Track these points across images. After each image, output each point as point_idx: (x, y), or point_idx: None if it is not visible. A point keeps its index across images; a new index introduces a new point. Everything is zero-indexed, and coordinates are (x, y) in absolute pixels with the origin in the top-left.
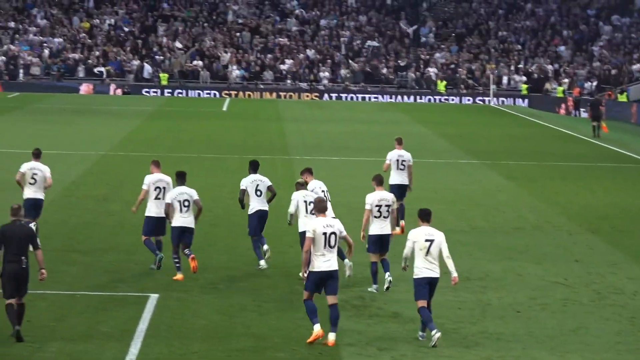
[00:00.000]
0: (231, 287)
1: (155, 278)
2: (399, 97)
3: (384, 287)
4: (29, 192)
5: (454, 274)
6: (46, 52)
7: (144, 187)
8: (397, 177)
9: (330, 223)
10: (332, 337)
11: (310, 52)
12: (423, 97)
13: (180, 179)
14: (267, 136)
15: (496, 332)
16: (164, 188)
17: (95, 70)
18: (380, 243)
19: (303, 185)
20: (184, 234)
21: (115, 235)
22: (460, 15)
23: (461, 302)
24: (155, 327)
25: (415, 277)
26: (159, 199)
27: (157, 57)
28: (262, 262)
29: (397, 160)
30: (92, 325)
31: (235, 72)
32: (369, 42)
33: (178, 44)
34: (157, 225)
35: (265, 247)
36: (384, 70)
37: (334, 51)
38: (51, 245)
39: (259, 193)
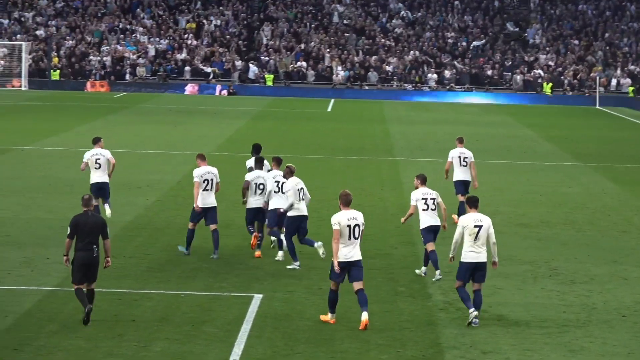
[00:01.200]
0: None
1: (260, 278)
2: (504, 98)
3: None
4: (95, 177)
5: (496, 259)
6: (152, 52)
7: (195, 180)
8: (460, 174)
9: (354, 216)
10: (365, 316)
11: (416, 53)
12: (529, 99)
13: (259, 163)
14: (371, 137)
15: (601, 336)
16: (212, 180)
17: (203, 70)
18: (432, 233)
19: (292, 173)
20: (258, 214)
21: (220, 236)
22: (567, 17)
23: (566, 305)
24: (259, 327)
25: (462, 260)
26: (207, 190)
27: (262, 57)
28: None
29: (460, 157)
30: (196, 325)
31: (340, 73)
32: (474, 43)
33: (283, 45)
34: (205, 214)
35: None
36: (489, 72)
37: (439, 52)
38: (158, 245)
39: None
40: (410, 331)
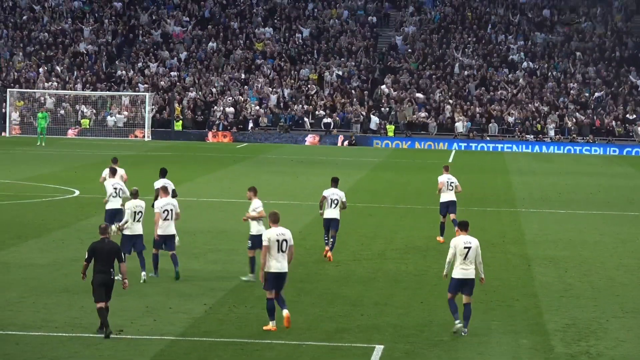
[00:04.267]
0: (456, 340)
1: (381, 328)
2: (627, 149)
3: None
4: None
5: (482, 276)
6: (273, 102)
7: (156, 211)
8: (446, 196)
9: (282, 232)
10: (285, 312)
11: (537, 104)
12: None
13: (334, 183)
14: (493, 188)
15: None
16: (171, 210)
17: (323, 121)
18: (460, 285)
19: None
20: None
21: (342, 286)
22: None
23: None
24: None
25: (453, 276)
26: (167, 219)
27: (383, 108)
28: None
29: (447, 182)
30: None
31: (460, 123)
32: (596, 94)
33: (404, 95)
34: (164, 241)
35: None
36: (612, 123)
37: (561, 102)
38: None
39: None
40: None
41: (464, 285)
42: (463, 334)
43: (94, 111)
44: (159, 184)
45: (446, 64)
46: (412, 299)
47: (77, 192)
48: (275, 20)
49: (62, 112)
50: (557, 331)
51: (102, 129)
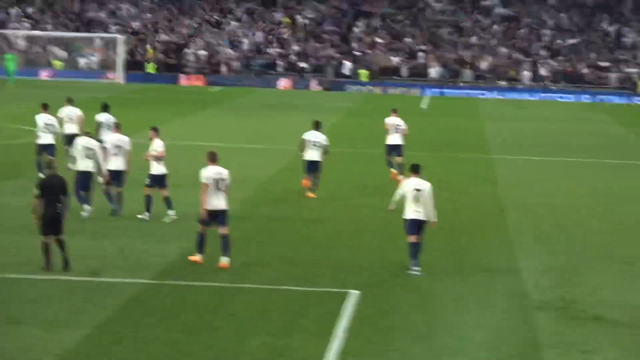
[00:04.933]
0: (433, 286)
1: (355, 274)
2: (599, 97)
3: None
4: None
5: (435, 219)
6: (246, 46)
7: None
8: (392, 138)
9: (219, 171)
10: (225, 260)
11: (509, 50)
12: (624, 97)
13: (316, 126)
14: (466, 134)
15: None
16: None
17: (299, 65)
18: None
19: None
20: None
21: (313, 230)
22: None
23: None
24: (356, 323)
25: (406, 217)
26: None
27: (356, 52)
28: None
29: (394, 125)
30: (293, 319)
31: (434, 69)
32: (569, 41)
33: (378, 40)
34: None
35: None
36: (584, 70)
37: (534, 49)
38: (253, 240)
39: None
40: (507, 330)
41: (416, 225)
42: (416, 272)
43: (66, 53)
44: (100, 117)
45: (419, 9)
46: (383, 242)
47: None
48: None
49: (34, 53)
50: (531, 277)
51: (74, 71)
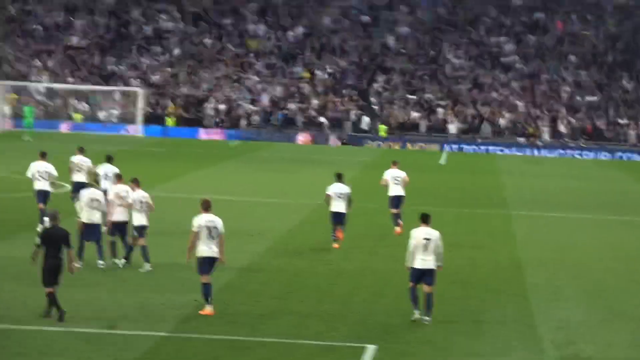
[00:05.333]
0: (448, 339)
1: (372, 327)
2: (618, 154)
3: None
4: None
5: (440, 264)
6: (265, 100)
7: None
8: (394, 190)
9: (212, 219)
10: (208, 309)
11: (528, 106)
12: None
13: (338, 178)
14: (484, 190)
15: None
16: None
17: (318, 120)
18: (420, 274)
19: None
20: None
21: (332, 284)
22: None
23: None
24: None
25: (413, 266)
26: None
27: (375, 107)
28: None
29: (392, 177)
30: None
31: (453, 125)
32: (588, 98)
33: (397, 96)
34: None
35: None
36: (603, 127)
37: (553, 106)
38: (269, 293)
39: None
40: None
41: (424, 274)
42: (425, 322)
43: (87, 105)
44: (101, 169)
45: (439, 65)
46: (400, 297)
47: (68, 187)
48: (268, 18)
49: (54, 106)
50: (548, 334)
51: (94, 124)
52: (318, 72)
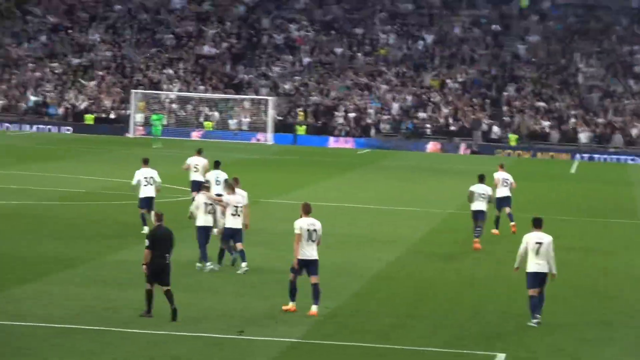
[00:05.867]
0: (579, 347)
1: (502, 336)
2: None
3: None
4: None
5: (554, 272)
6: (395, 109)
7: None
8: (501, 192)
9: (312, 222)
10: (314, 308)
11: None
12: None
13: (480, 179)
14: (615, 200)
15: None
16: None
17: (447, 129)
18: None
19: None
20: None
21: (462, 292)
22: None
23: None
24: None
25: (527, 271)
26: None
27: (505, 117)
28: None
29: (501, 179)
30: None
31: (584, 134)
32: None
33: (527, 105)
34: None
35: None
36: None
37: None
38: (400, 301)
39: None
40: None
41: (538, 278)
42: (536, 323)
43: (217, 114)
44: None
45: (570, 74)
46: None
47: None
48: (397, 27)
49: (185, 114)
50: None
51: (224, 132)
52: (448, 81)
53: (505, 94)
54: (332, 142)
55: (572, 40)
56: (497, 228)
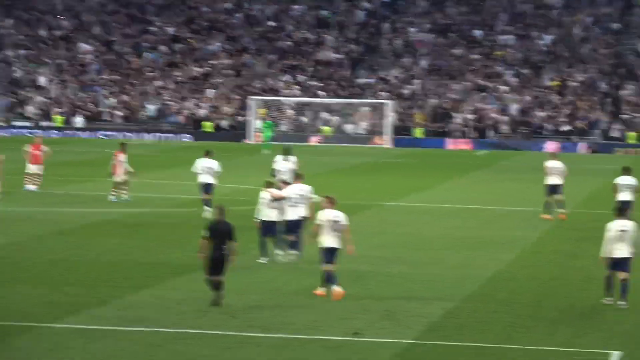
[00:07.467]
0: None
1: (620, 334)
2: None
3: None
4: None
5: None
6: (514, 110)
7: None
8: (551, 179)
9: (335, 214)
10: (338, 288)
11: None
12: None
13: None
14: None
15: None
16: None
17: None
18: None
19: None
20: None
21: (583, 290)
22: None
23: None
24: None
25: (609, 256)
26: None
27: (624, 115)
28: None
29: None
30: None
31: None
32: None
33: None
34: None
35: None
36: None
37: None
38: (520, 300)
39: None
40: None
41: (619, 263)
42: (622, 306)
43: (337, 119)
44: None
45: None
46: None
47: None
48: (518, 27)
49: (304, 120)
50: None
51: (343, 137)
52: (567, 80)
53: (624, 92)
54: (450, 144)
55: None
56: (546, 213)
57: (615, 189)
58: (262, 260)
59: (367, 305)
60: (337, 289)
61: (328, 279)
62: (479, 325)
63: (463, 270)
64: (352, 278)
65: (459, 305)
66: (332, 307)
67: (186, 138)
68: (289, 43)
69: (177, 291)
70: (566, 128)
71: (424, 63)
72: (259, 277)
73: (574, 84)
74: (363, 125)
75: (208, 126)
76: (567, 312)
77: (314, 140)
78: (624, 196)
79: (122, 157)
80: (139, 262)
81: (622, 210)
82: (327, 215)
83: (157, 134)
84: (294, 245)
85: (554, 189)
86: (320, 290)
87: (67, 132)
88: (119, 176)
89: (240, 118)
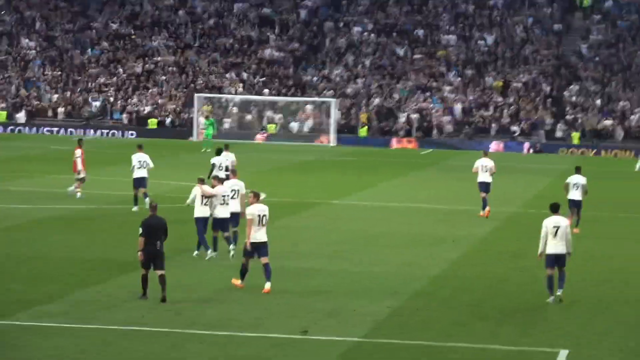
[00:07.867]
0: None
1: (565, 333)
2: None
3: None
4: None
5: (570, 250)
6: (457, 110)
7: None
8: (482, 177)
9: (262, 208)
10: (267, 285)
11: None
12: None
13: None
14: None
15: None
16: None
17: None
18: (554, 259)
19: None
20: None
21: (527, 290)
22: None
23: None
24: None
25: (547, 252)
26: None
27: (567, 116)
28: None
29: (481, 165)
30: None
31: None
32: None
33: (589, 104)
34: None
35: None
36: None
37: None
38: (463, 300)
39: None
40: None
41: (557, 259)
42: (558, 296)
43: (281, 117)
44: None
45: (632, 72)
46: (597, 303)
47: (263, 195)
48: (460, 27)
49: (249, 118)
50: None
51: (287, 134)
52: (510, 81)
53: (567, 93)
54: (395, 143)
55: (633, 39)
56: (483, 210)
57: (566, 187)
58: (213, 254)
59: (313, 303)
60: (268, 285)
61: (266, 273)
62: (422, 323)
63: (408, 268)
64: (298, 275)
65: (403, 304)
66: (277, 305)
67: (130, 135)
68: (231, 41)
69: (124, 288)
70: (511, 128)
71: (367, 62)
72: (204, 273)
73: (517, 84)
74: (308, 124)
75: (152, 123)
76: (511, 312)
77: (259, 138)
78: (574, 195)
79: (78, 152)
80: (86, 259)
81: (557, 207)
82: (254, 209)
83: (101, 131)
84: (228, 240)
85: (484, 187)
86: (238, 281)
87: (11, 127)
88: (83, 172)
89: (184, 115)
